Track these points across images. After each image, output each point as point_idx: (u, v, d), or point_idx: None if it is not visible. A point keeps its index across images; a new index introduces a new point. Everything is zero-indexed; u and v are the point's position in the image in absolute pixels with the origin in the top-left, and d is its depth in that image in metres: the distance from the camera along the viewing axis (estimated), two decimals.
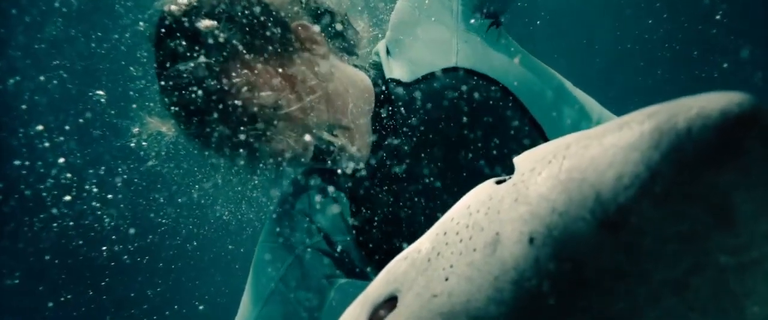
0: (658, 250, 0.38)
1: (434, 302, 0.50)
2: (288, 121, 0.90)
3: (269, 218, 1.12)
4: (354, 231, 1.03)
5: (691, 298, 0.39)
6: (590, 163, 0.42)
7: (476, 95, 0.94)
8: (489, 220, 0.48)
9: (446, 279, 0.50)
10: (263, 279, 1.04)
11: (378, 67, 1.08)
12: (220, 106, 0.85)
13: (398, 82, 1.02)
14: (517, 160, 0.51)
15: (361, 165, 0.98)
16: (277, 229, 1.07)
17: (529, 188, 0.46)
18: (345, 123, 0.95)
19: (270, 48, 0.88)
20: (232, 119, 0.87)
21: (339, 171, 1.00)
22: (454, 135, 0.95)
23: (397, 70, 1.02)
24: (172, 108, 0.89)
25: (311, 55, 0.95)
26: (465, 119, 0.94)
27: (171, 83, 0.85)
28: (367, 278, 1.06)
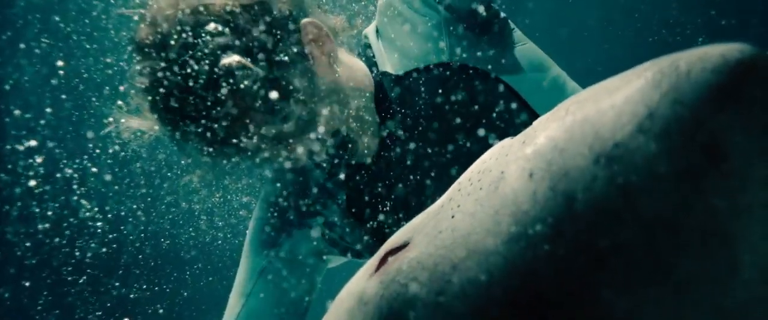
0: (649, 187, 0.39)
1: (439, 238, 0.53)
2: (302, 121, 0.89)
3: (260, 198, 1.14)
4: (345, 199, 1.03)
5: (679, 239, 0.39)
6: (595, 106, 0.44)
7: (470, 88, 0.94)
8: (497, 163, 0.51)
9: (452, 217, 0.52)
10: (254, 257, 1.07)
11: (368, 51, 1.07)
12: (242, 111, 0.83)
13: (391, 75, 1.01)
14: (536, 121, 0.54)
15: (369, 158, 0.99)
16: (270, 210, 1.10)
17: (537, 132, 0.48)
18: (353, 117, 0.96)
19: (285, 50, 0.87)
20: (249, 123, 0.85)
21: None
22: (449, 127, 0.95)
23: (389, 62, 1.02)
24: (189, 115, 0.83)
25: (321, 53, 0.93)
26: (460, 112, 0.93)
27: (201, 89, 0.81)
28: (360, 256, 1.06)
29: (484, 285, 0.46)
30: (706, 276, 0.39)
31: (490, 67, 0.96)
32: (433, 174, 0.96)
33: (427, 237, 0.55)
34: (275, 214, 1.08)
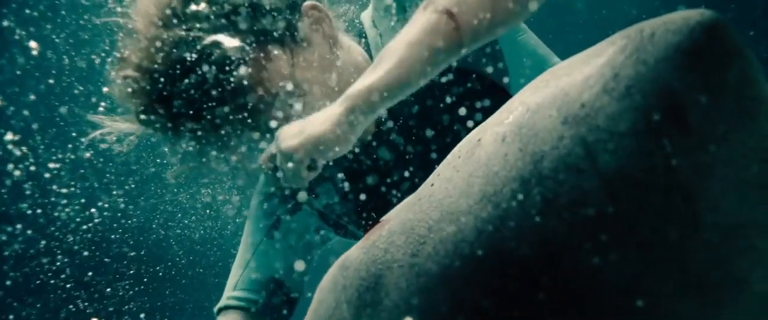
0: (613, 145, 0.41)
1: (418, 204, 0.54)
2: (304, 104, 0.89)
3: (262, 176, 1.15)
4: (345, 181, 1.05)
5: (640, 196, 0.40)
6: (568, 73, 0.46)
7: (464, 85, 0.93)
8: (477, 132, 0.52)
9: (432, 185, 0.54)
10: (254, 233, 1.09)
11: (363, 35, 1.06)
12: (242, 95, 0.83)
13: None
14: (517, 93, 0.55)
15: (369, 137, 0.99)
16: (269, 191, 1.11)
17: (513, 101, 0.50)
18: None
19: (288, 34, 0.87)
20: (250, 106, 0.85)
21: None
22: (443, 121, 0.94)
23: None
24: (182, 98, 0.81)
25: (323, 36, 0.93)
26: (453, 110, 0.93)
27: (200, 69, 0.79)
28: (356, 238, 1.07)
29: (454, 244, 0.47)
30: (667, 234, 0.40)
31: (484, 60, 0.97)
32: (423, 166, 0.97)
33: (408, 204, 0.56)
34: (275, 195, 1.11)
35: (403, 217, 0.55)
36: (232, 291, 1.05)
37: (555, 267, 0.42)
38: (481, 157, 0.48)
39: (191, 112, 0.83)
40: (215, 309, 1.06)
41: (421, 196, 0.55)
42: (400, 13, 0.97)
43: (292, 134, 0.76)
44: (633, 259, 0.40)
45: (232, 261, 1.14)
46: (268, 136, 0.89)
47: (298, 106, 0.88)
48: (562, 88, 0.45)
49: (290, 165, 0.75)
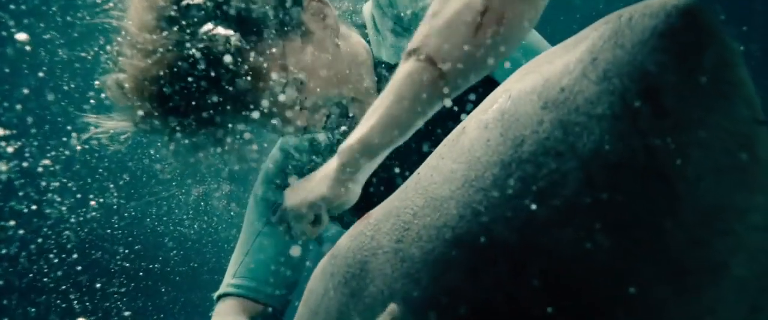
0: (590, 127, 0.41)
1: (404, 191, 0.55)
2: (306, 95, 0.91)
3: (265, 165, 1.17)
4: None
5: (617, 178, 0.41)
6: (549, 61, 0.46)
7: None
8: (465, 120, 0.53)
9: (418, 173, 0.55)
10: (255, 221, 1.10)
11: (363, 27, 1.07)
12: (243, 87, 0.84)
13: (384, 63, 1.02)
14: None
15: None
16: (272, 180, 1.13)
17: (498, 90, 0.50)
18: (356, 92, 0.97)
19: (291, 25, 0.88)
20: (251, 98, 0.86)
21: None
22: (441, 124, 0.95)
23: (384, 51, 1.02)
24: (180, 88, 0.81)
25: (325, 27, 0.94)
26: (450, 110, 0.94)
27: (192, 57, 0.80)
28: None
29: (436, 229, 0.48)
30: (645, 216, 0.40)
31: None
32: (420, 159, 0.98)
33: (395, 193, 0.57)
34: (277, 183, 1.13)
35: (390, 205, 0.55)
36: (231, 278, 1.07)
37: (534, 250, 0.43)
38: (465, 144, 0.49)
39: (194, 108, 0.83)
40: (215, 296, 1.07)
41: (408, 185, 0.55)
42: (397, 22, 0.98)
43: (296, 193, 0.84)
44: (611, 241, 0.41)
45: (225, 258, 1.16)
46: (270, 124, 0.90)
47: (300, 96, 0.89)
48: (543, 75, 0.45)
49: (296, 222, 0.83)
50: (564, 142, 0.42)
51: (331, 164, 0.79)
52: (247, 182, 1.20)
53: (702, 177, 0.39)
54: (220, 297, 1.06)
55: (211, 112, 0.85)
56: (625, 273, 0.41)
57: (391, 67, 1.02)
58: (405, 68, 0.70)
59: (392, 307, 0.49)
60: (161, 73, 0.80)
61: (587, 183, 0.41)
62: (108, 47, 0.88)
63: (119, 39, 0.86)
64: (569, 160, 0.41)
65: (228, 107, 0.86)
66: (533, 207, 0.42)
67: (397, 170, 0.99)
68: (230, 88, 0.83)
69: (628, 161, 0.40)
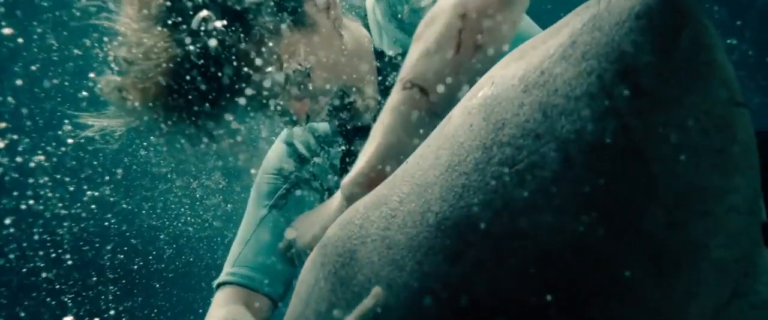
0: (569, 108, 0.41)
1: (392, 180, 0.55)
2: (310, 84, 0.92)
3: (267, 156, 1.19)
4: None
5: (597, 159, 0.41)
6: (533, 46, 0.47)
7: None
8: (453, 108, 0.53)
9: (407, 162, 0.55)
10: (257, 209, 1.12)
11: (364, 16, 1.09)
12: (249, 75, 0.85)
13: (386, 56, 1.04)
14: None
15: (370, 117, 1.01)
16: (276, 164, 1.15)
17: (484, 77, 0.51)
18: (357, 81, 0.98)
19: (295, 17, 0.90)
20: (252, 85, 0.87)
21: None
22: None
23: (386, 44, 1.04)
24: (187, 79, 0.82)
25: (328, 18, 0.95)
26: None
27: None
28: None
29: (421, 215, 0.48)
30: (624, 196, 0.40)
31: None
32: None
33: (385, 182, 0.57)
34: (278, 175, 1.15)
35: (379, 193, 0.56)
36: (231, 267, 1.08)
37: (514, 233, 0.43)
38: (449, 131, 0.49)
39: (197, 101, 0.84)
40: (214, 285, 1.08)
41: (396, 173, 0.55)
42: (396, 24, 1.00)
43: (305, 229, 0.87)
44: (590, 223, 0.41)
45: (221, 255, 1.17)
46: (275, 114, 0.92)
47: (305, 86, 0.90)
48: (526, 60, 0.45)
49: (307, 257, 0.84)
50: (543, 124, 0.42)
51: (335, 200, 0.79)
52: (242, 179, 1.21)
53: (679, 158, 0.39)
54: (219, 285, 1.07)
55: (215, 104, 0.85)
56: (604, 254, 0.41)
57: (392, 59, 1.04)
58: (395, 99, 0.71)
59: (377, 290, 0.50)
60: (163, 70, 0.81)
61: (566, 165, 0.41)
62: (105, 40, 0.88)
63: (119, 38, 0.86)
64: (548, 141, 0.41)
65: (234, 99, 0.86)
66: (513, 189, 0.43)
67: None
68: (234, 82, 0.84)
69: (605, 141, 0.40)
